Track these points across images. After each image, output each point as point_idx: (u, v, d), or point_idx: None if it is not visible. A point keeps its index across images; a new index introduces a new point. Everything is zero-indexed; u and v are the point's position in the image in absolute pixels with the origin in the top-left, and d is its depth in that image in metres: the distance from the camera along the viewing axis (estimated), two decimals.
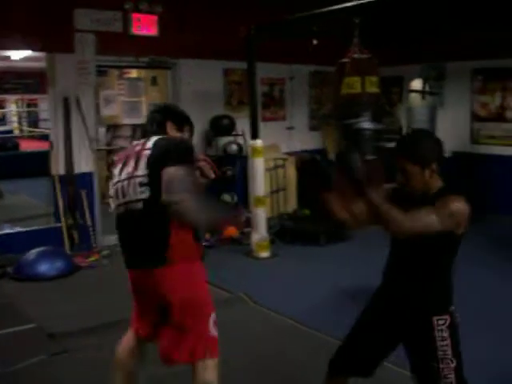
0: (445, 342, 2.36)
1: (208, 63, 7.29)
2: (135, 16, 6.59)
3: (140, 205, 2.52)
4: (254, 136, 6.34)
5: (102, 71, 6.91)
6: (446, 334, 2.37)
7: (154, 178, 2.48)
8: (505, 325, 4.30)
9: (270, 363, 3.81)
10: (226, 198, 7.33)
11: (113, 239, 6.67)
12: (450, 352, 2.36)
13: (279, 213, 7.56)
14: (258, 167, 6.33)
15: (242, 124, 7.03)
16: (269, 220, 6.74)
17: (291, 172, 7.86)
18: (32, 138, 15.09)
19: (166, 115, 2.80)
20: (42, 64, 6.78)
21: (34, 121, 16.74)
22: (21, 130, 15.92)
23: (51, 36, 6.14)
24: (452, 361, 2.36)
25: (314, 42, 6.31)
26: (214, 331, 2.65)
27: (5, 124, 15.55)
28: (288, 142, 8.29)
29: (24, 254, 5.76)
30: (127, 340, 2.88)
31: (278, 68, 8.04)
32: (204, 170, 2.78)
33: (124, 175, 2.60)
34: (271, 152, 7.60)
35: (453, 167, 7.71)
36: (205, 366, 2.59)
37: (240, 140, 7.32)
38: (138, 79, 7.75)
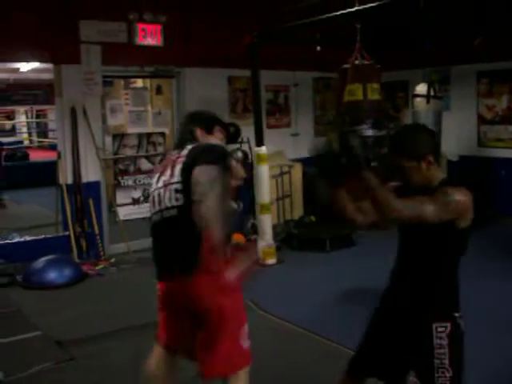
0: (442, 351, 2.28)
1: (212, 71, 7.35)
2: (140, 26, 6.65)
3: (174, 212, 2.53)
4: (259, 143, 6.37)
5: (107, 81, 6.97)
6: (444, 342, 2.28)
7: (187, 185, 2.49)
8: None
9: (278, 371, 3.82)
10: (232, 205, 7.34)
11: (120, 247, 6.75)
12: (447, 361, 2.27)
13: (285, 219, 7.58)
14: (264, 174, 6.36)
15: (247, 131, 7.07)
16: (275, 227, 6.76)
17: (297, 178, 7.88)
18: (41, 147, 15.23)
19: (192, 123, 2.84)
20: (50, 75, 6.88)
21: (43, 131, 16.89)
22: (30, 141, 16.07)
23: (58, 48, 6.23)
24: (448, 370, 2.27)
25: (318, 48, 6.35)
26: (246, 343, 2.64)
27: (14, 135, 15.70)
28: (293, 149, 8.31)
29: (33, 262, 5.83)
30: (158, 356, 2.81)
31: (283, 75, 8.08)
32: (236, 170, 2.80)
33: (161, 183, 2.64)
34: (276, 159, 7.63)
35: (460, 171, 7.74)
36: (237, 376, 2.61)
37: (245, 147, 7.35)
38: (143, 88, 7.81)
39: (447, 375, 2.27)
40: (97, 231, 6.58)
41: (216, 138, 2.83)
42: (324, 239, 6.64)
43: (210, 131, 2.82)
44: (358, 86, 5.01)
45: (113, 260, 6.49)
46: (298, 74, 8.25)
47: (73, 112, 6.39)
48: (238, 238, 7.03)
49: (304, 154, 8.33)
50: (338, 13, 5.21)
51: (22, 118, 16.68)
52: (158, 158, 7.26)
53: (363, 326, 2.59)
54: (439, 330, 2.29)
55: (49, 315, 4.85)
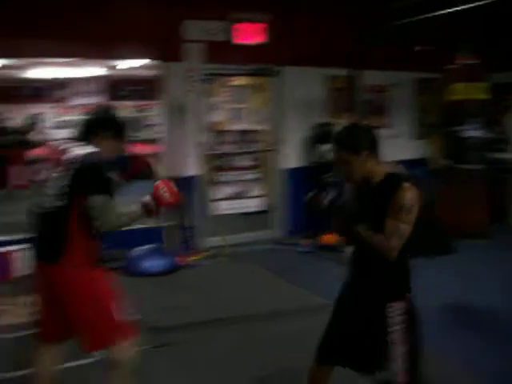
0: (396, 328, 2.50)
1: (311, 70, 7.36)
2: (241, 25, 6.78)
3: (54, 208, 2.78)
4: None
5: (208, 79, 7.14)
6: (397, 320, 2.51)
7: (73, 191, 2.74)
8: None
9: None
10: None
11: (213, 241, 6.90)
12: (400, 337, 2.50)
13: None
14: None
15: None
16: None
17: None
18: (140, 141, 15.75)
19: (100, 126, 2.96)
20: (150, 72, 7.14)
21: (143, 126, 17.46)
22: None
23: (164, 46, 6.47)
24: (402, 346, 2.49)
25: (417, 48, 6.18)
26: (119, 317, 2.81)
27: None
28: (390, 151, 8.14)
29: (130, 249, 6.09)
30: (44, 355, 2.98)
31: (383, 75, 7.92)
32: (160, 196, 3.02)
33: (54, 176, 2.85)
34: None
35: None
36: (118, 348, 2.79)
37: None
38: (242, 86, 7.94)
39: (400, 349, 2.49)
40: (193, 224, 6.76)
41: (108, 149, 2.95)
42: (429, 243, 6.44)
43: (121, 139, 3.01)
44: (463, 86, 4.86)
45: (208, 253, 6.65)
46: (398, 74, 8.08)
47: (175, 108, 6.61)
48: (329, 238, 7.01)
49: (402, 156, 8.13)
50: (442, 12, 5.07)
51: (124, 112, 17.38)
52: (256, 154, 7.39)
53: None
54: (392, 309, 2.52)
55: (144, 302, 5.03)
